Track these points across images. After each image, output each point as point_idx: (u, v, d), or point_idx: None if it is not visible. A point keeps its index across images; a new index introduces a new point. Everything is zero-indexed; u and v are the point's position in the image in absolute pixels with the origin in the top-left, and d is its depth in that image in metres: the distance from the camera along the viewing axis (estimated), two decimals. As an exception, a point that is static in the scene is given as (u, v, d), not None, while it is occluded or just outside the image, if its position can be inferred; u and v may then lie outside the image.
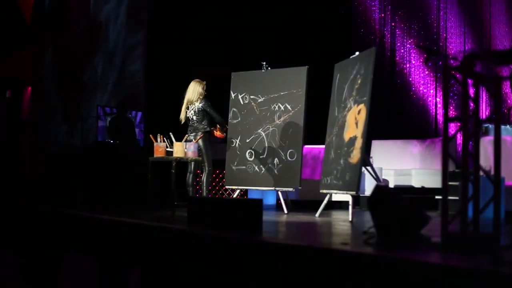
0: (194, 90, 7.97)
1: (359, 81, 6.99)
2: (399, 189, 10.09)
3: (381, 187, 4.73)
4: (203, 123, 7.94)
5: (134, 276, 4.50)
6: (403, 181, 10.69)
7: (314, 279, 3.63)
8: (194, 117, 7.91)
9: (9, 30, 12.39)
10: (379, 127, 12.54)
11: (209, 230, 4.65)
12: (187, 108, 7.97)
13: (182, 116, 8.02)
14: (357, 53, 7.34)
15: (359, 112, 6.83)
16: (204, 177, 7.85)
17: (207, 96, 8.08)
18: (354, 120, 6.94)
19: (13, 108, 13.43)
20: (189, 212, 5.27)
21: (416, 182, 10.60)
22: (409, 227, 4.49)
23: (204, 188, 7.76)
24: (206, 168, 7.83)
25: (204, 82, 8.09)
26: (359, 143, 6.71)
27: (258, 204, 4.97)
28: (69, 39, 13.25)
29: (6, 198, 9.08)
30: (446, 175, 4.16)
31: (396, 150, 11.68)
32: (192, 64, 12.27)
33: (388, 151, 11.65)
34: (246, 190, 9.01)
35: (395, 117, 13.56)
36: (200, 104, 7.93)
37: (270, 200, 9.51)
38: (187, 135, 7.34)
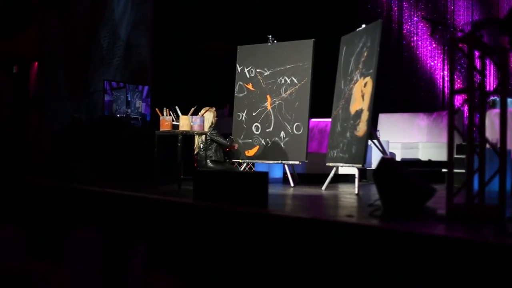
0: (206, 120, 7.85)
1: (365, 54, 6.95)
2: (406, 162, 10.09)
3: (387, 160, 4.73)
4: (212, 150, 8.01)
5: (139, 249, 4.52)
6: (410, 154, 10.69)
7: (319, 251, 3.64)
8: (201, 145, 7.91)
9: (15, 7, 12.35)
10: (387, 101, 12.51)
11: (215, 204, 4.66)
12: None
13: (196, 146, 8.06)
14: (363, 25, 7.29)
15: (365, 84, 6.81)
16: None
17: (216, 125, 8.10)
18: (360, 93, 6.91)
19: (20, 84, 13.43)
20: (195, 186, 5.27)
21: (423, 155, 10.59)
22: (414, 200, 4.50)
23: None
24: None
25: (214, 109, 8.10)
26: (365, 116, 6.69)
27: (263, 177, 4.98)
28: (75, 13, 13.20)
29: (13, 173, 9.12)
30: (451, 147, 4.15)
31: (403, 124, 11.67)
32: (199, 38, 12.25)
33: (395, 125, 11.64)
34: (253, 163, 9.02)
35: (403, 90, 13.52)
36: (209, 134, 7.94)
37: (277, 174, 9.51)
38: (193, 108, 7.33)
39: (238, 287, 4.19)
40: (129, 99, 11.12)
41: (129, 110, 10.98)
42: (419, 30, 13.62)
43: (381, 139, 10.41)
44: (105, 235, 4.97)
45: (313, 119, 10.62)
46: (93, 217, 5.53)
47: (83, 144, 9.34)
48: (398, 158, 10.56)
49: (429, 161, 10.31)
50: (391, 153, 10.41)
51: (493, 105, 9.97)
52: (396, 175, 4.56)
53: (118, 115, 10.47)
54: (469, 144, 4.09)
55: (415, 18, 13.62)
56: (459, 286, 2.93)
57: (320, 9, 12.46)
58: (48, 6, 12.92)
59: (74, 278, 4.65)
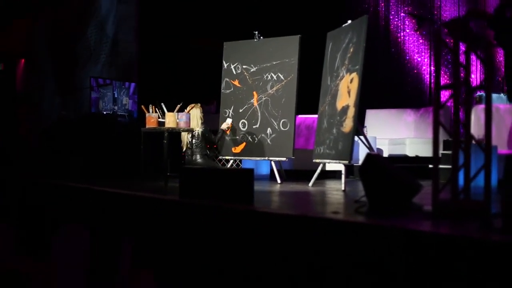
0: (194, 117, 7.82)
1: (351, 50, 6.94)
2: (393, 158, 10.10)
3: (372, 156, 4.73)
4: (202, 145, 7.93)
5: (126, 246, 4.51)
6: (398, 150, 10.70)
7: (305, 248, 3.63)
8: (193, 140, 7.84)
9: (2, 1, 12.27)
10: (374, 96, 12.52)
11: (200, 200, 4.64)
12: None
13: (184, 143, 7.96)
14: (349, 21, 7.28)
15: (351, 80, 6.80)
16: None
17: (205, 120, 8.04)
18: (346, 89, 6.91)
19: (7, 81, 13.35)
20: (181, 183, 5.25)
21: (410, 151, 10.60)
22: (400, 196, 4.50)
23: None
24: None
25: (199, 105, 8.00)
26: (351, 112, 6.68)
27: (249, 174, 4.96)
28: (62, 9, 13.12)
29: (2, 170, 9.06)
30: (437, 143, 4.15)
31: (391, 119, 11.68)
32: (185, 34, 12.22)
33: (383, 120, 11.65)
34: (240, 160, 9.00)
35: (390, 86, 13.54)
36: (201, 129, 7.88)
37: (264, 170, 9.51)
38: (179, 105, 7.31)
39: (224, 283, 4.18)
40: (115, 96, 11.09)
41: (116, 107, 10.94)
42: (406, 26, 13.64)
43: (368, 135, 10.45)
44: (92, 232, 4.95)
45: (300, 116, 10.62)
46: (80, 214, 5.50)
47: (70, 142, 9.30)
48: (385, 154, 10.57)
49: (416, 157, 10.32)
50: (378, 149, 10.42)
51: (479, 100, 10.01)
52: (382, 171, 4.56)
53: (105, 112, 10.42)
54: (455, 140, 4.09)
55: (401, 14, 13.64)
56: (444, 282, 2.93)
57: (307, 5, 12.44)
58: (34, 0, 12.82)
59: (61, 274, 4.63)
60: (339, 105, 7.04)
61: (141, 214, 4.97)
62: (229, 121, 8.39)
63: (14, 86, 13.38)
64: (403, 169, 4.74)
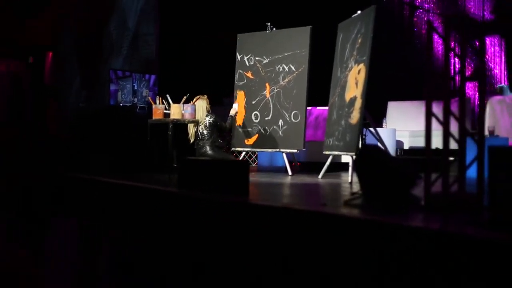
0: (200, 107, 7.71)
1: (359, 41, 6.85)
2: (413, 150, 9.98)
3: (368, 147, 4.65)
4: (213, 136, 7.81)
5: (115, 236, 4.52)
6: (418, 143, 10.54)
7: (291, 239, 3.60)
8: (205, 131, 7.75)
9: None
10: (397, 88, 12.39)
11: (194, 192, 4.63)
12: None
13: (191, 135, 7.84)
14: (358, 11, 7.18)
15: (359, 72, 6.71)
16: None
17: (212, 110, 7.93)
18: (354, 80, 6.82)
19: (36, 74, 13.56)
20: (179, 175, 5.24)
21: (432, 144, 10.42)
22: (396, 188, 4.41)
23: None
24: None
25: (206, 96, 7.84)
26: (358, 103, 6.60)
27: (244, 166, 4.92)
28: (87, 2, 13.24)
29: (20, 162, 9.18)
30: (429, 135, 4.08)
31: (413, 111, 11.50)
32: (205, 27, 12.22)
33: (405, 112, 11.49)
34: (255, 152, 8.97)
35: (414, 77, 13.36)
36: (211, 119, 7.75)
37: (280, 162, 9.45)
38: (185, 97, 7.28)
39: (216, 274, 4.17)
40: (135, 88, 11.12)
41: (135, 99, 10.98)
42: (430, 17, 13.42)
43: (387, 127, 10.32)
44: (85, 223, 4.97)
45: (318, 107, 10.54)
46: (75, 205, 5.53)
47: (87, 134, 9.37)
48: (406, 146, 10.44)
49: (436, 149, 10.15)
50: (398, 141, 10.29)
51: (500, 91, 9.80)
52: (378, 163, 4.47)
53: (123, 104, 10.47)
54: (445, 132, 4.01)
55: (426, 5, 13.43)
56: (429, 276, 2.87)
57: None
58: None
59: (52, 266, 4.65)
60: (348, 96, 6.95)
61: (135, 205, 4.97)
62: (235, 106, 8.33)
63: (43, 79, 13.57)
64: (403, 161, 4.65)
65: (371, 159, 4.51)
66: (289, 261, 3.60)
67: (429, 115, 4.05)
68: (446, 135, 3.99)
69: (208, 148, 7.67)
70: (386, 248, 3.07)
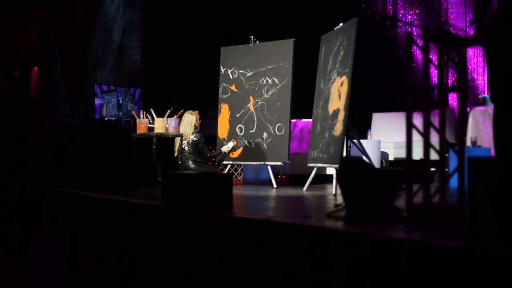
0: (189, 123, 7.69)
1: (341, 53, 6.89)
2: (398, 161, 10.01)
3: (349, 159, 4.67)
4: (195, 154, 7.74)
5: (95, 252, 4.49)
6: (403, 154, 10.58)
7: (274, 252, 3.60)
8: (186, 148, 7.68)
9: (10, 7, 12.39)
10: (381, 100, 12.44)
11: (177, 205, 4.62)
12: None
13: (177, 149, 7.74)
14: (340, 24, 7.22)
15: (341, 84, 6.74)
16: None
17: (200, 129, 7.84)
18: (337, 92, 6.85)
19: (21, 88, 13.51)
20: (163, 188, 5.23)
21: (416, 155, 10.44)
22: (378, 200, 4.42)
23: None
24: None
25: (196, 112, 7.80)
26: (341, 115, 6.62)
27: (228, 180, 4.93)
28: (71, 16, 13.24)
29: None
30: (410, 147, 4.10)
31: (397, 122, 11.56)
32: (190, 40, 12.24)
33: (389, 124, 11.54)
34: (241, 165, 8.97)
35: (397, 89, 13.43)
36: (195, 138, 7.69)
37: (265, 175, 9.46)
38: (169, 111, 7.27)
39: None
40: (120, 102, 11.11)
41: (120, 113, 10.96)
42: (414, 29, 13.51)
43: (372, 139, 10.35)
44: (68, 237, 4.94)
45: (303, 120, 10.56)
46: (57, 219, 5.50)
47: (70, 147, 9.35)
48: (390, 158, 10.46)
49: (421, 160, 10.19)
50: (383, 152, 10.33)
51: (483, 102, 9.86)
52: (359, 175, 4.49)
53: (108, 118, 10.45)
54: (425, 144, 4.04)
55: (409, 17, 13.52)
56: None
57: (302, 8, 12.41)
58: (44, 7, 12.94)
59: (34, 281, 4.63)
60: (331, 108, 6.98)
61: (117, 218, 4.96)
62: (230, 144, 8.33)
63: (29, 93, 13.52)
64: (385, 172, 4.67)
65: (353, 171, 4.53)
66: (271, 273, 3.59)
67: (409, 126, 4.07)
68: (427, 146, 4.02)
69: (190, 162, 7.65)
70: (367, 259, 3.08)
